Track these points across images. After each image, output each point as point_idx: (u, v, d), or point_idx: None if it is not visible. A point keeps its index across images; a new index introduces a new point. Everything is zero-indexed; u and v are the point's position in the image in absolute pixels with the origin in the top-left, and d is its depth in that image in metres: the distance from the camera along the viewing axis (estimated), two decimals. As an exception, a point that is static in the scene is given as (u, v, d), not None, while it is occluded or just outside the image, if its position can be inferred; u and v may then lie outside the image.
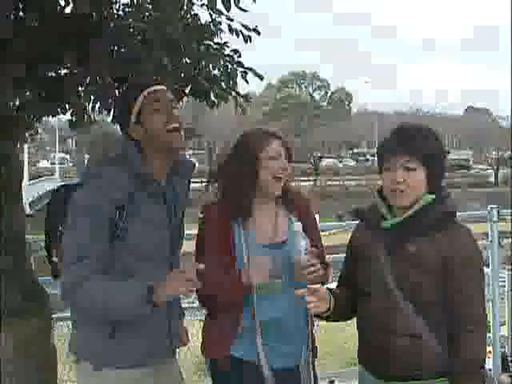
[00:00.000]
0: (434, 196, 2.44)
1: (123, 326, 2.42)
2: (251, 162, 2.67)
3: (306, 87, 76.21)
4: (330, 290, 2.58)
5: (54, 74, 4.15)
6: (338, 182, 48.52)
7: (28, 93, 4.26)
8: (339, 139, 57.69)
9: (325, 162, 58.11)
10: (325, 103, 74.29)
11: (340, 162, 62.12)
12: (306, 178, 50.71)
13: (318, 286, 2.50)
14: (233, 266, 2.63)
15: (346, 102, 74.59)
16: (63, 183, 2.69)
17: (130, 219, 2.39)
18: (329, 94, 75.33)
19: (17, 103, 4.00)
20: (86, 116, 4.23)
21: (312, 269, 2.54)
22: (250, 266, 2.59)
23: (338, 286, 2.70)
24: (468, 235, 2.45)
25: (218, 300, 2.64)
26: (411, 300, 2.38)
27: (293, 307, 2.65)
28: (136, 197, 2.41)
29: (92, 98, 4.12)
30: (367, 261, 2.51)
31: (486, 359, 4.87)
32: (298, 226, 2.61)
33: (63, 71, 4.12)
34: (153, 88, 2.49)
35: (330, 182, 49.06)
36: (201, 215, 2.76)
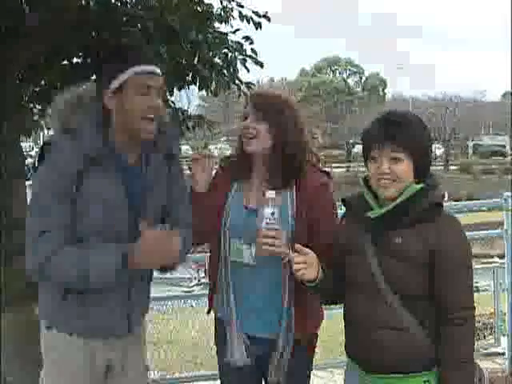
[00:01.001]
0: (420, 186, 2.38)
1: (74, 295, 2.39)
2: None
3: (340, 73, 75.55)
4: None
5: (67, 63, 4.21)
6: (371, 169, 48.00)
7: (42, 82, 4.33)
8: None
9: (358, 149, 57.65)
10: (359, 89, 73.58)
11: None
12: (339, 165, 50.40)
13: (309, 250, 2.42)
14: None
15: (380, 88, 73.79)
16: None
17: (80, 194, 2.31)
18: (363, 79, 74.61)
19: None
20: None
21: (269, 241, 2.41)
22: None
23: None
24: (456, 227, 2.39)
25: None
26: (398, 293, 2.34)
27: (267, 281, 2.65)
28: (89, 172, 2.32)
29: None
30: (354, 252, 2.47)
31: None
32: (270, 193, 2.46)
33: (75, 60, 4.18)
34: (147, 69, 2.35)
35: (363, 169, 48.64)
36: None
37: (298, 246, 2.40)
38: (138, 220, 2.36)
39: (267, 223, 2.41)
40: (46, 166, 2.34)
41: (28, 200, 2.44)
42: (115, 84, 2.32)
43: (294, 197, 2.67)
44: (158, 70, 2.39)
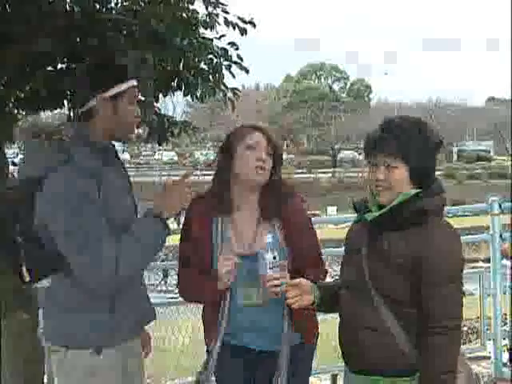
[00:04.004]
0: (415, 192, 2.38)
1: (120, 299, 2.44)
2: (228, 152, 2.72)
3: (325, 79, 75.85)
4: (315, 282, 2.59)
5: (52, 69, 4.18)
6: (356, 174, 48.22)
7: (27, 87, 4.30)
8: (358, 131, 57.43)
9: (344, 154, 57.84)
10: (344, 95, 73.86)
11: (359, 153, 61.66)
12: (324, 170, 50.54)
13: (299, 279, 2.52)
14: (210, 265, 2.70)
15: (365, 94, 74.14)
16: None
17: (105, 193, 2.39)
18: (348, 85, 74.93)
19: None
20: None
21: (275, 282, 2.52)
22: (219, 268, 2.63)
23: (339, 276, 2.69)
24: (445, 235, 2.37)
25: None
26: (384, 296, 2.35)
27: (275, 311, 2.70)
28: (105, 171, 2.44)
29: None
30: (352, 252, 2.51)
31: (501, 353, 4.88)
32: (269, 238, 2.58)
33: (60, 66, 4.15)
34: (136, 83, 2.55)
35: (348, 174, 48.78)
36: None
37: (288, 281, 2.51)
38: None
39: (271, 268, 2.53)
40: (73, 179, 2.35)
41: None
42: (113, 91, 2.46)
43: (282, 224, 2.75)
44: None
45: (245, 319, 2.72)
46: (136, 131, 2.60)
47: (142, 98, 4.12)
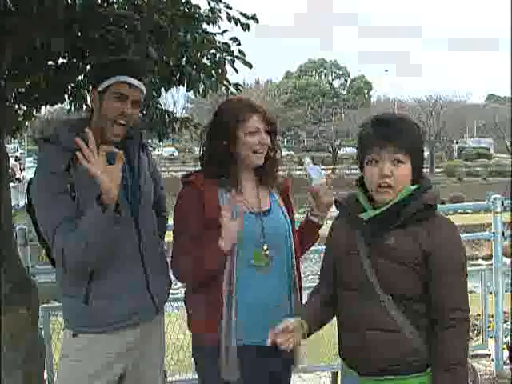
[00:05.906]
0: (415, 187, 2.36)
1: (96, 291, 2.57)
2: (227, 138, 2.66)
3: (325, 75, 75.85)
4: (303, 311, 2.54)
5: (52, 63, 4.15)
6: (356, 171, 48.21)
7: (28, 81, 4.27)
8: (358, 128, 57.51)
9: (344, 151, 57.78)
10: (344, 91, 73.86)
11: (359, 150, 61.50)
12: (324, 167, 50.56)
13: (283, 325, 2.36)
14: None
15: (365, 91, 74.11)
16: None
17: (76, 187, 2.53)
18: (348, 82, 74.92)
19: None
20: (84, 104, 4.23)
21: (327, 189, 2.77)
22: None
23: (319, 279, 2.65)
24: (449, 228, 2.38)
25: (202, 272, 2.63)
26: (391, 294, 2.33)
27: (279, 284, 2.68)
28: (76, 167, 2.51)
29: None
30: (347, 253, 2.45)
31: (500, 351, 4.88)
32: (308, 160, 2.84)
33: (61, 60, 4.12)
34: (128, 80, 2.60)
35: (348, 171, 48.72)
36: (185, 180, 2.72)
37: (276, 328, 2.35)
38: (137, 202, 2.70)
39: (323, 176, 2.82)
40: (38, 171, 2.61)
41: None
42: (102, 86, 2.60)
43: (281, 198, 2.84)
44: (140, 85, 2.65)
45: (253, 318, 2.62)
46: (118, 130, 2.60)
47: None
